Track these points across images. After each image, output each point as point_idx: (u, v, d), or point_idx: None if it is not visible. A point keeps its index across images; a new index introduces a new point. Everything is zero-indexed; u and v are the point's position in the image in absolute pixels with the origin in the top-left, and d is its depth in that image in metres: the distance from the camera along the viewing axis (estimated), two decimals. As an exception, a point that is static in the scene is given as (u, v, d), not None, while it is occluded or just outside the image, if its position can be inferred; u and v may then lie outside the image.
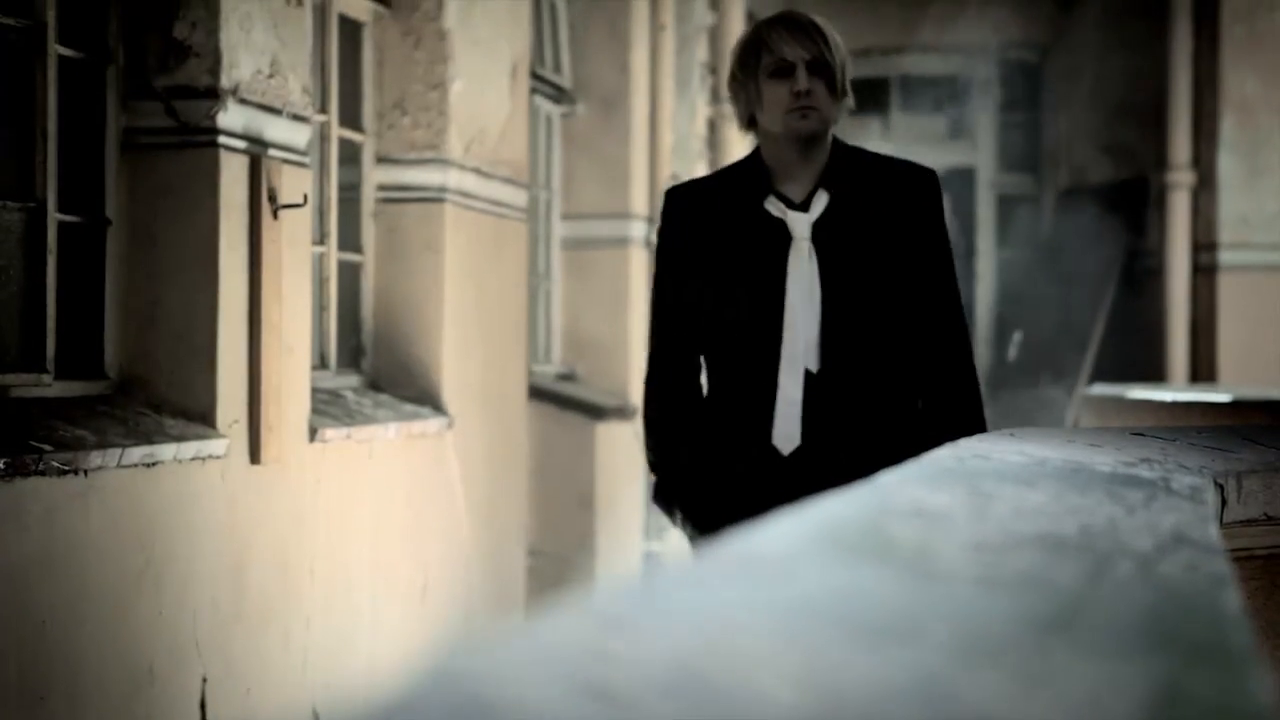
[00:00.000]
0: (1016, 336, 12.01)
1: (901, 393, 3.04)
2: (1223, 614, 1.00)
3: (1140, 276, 10.56)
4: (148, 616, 3.80)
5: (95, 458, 3.56)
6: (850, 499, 1.38)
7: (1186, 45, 9.79)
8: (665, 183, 7.30)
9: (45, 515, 3.46)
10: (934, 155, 12.30)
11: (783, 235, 2.99)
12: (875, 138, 12.65)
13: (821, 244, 3.00)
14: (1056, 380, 11.38)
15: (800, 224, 3.00)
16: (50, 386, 3.81)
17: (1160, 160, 10.14)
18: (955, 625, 0.89)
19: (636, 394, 7.04)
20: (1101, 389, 8.31)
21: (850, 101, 3.07)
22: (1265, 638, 2.10)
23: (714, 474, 3.04)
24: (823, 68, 3.00)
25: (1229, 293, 9.63)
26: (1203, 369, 9.73)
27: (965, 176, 12.31)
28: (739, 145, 9.98)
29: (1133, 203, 10.70)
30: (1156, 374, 9.97)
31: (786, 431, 2.96)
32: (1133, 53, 10.63)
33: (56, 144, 3.84)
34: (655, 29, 7.88)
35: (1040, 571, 1.09)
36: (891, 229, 3.02)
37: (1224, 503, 1.99)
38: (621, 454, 7.29)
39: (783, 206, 3.01)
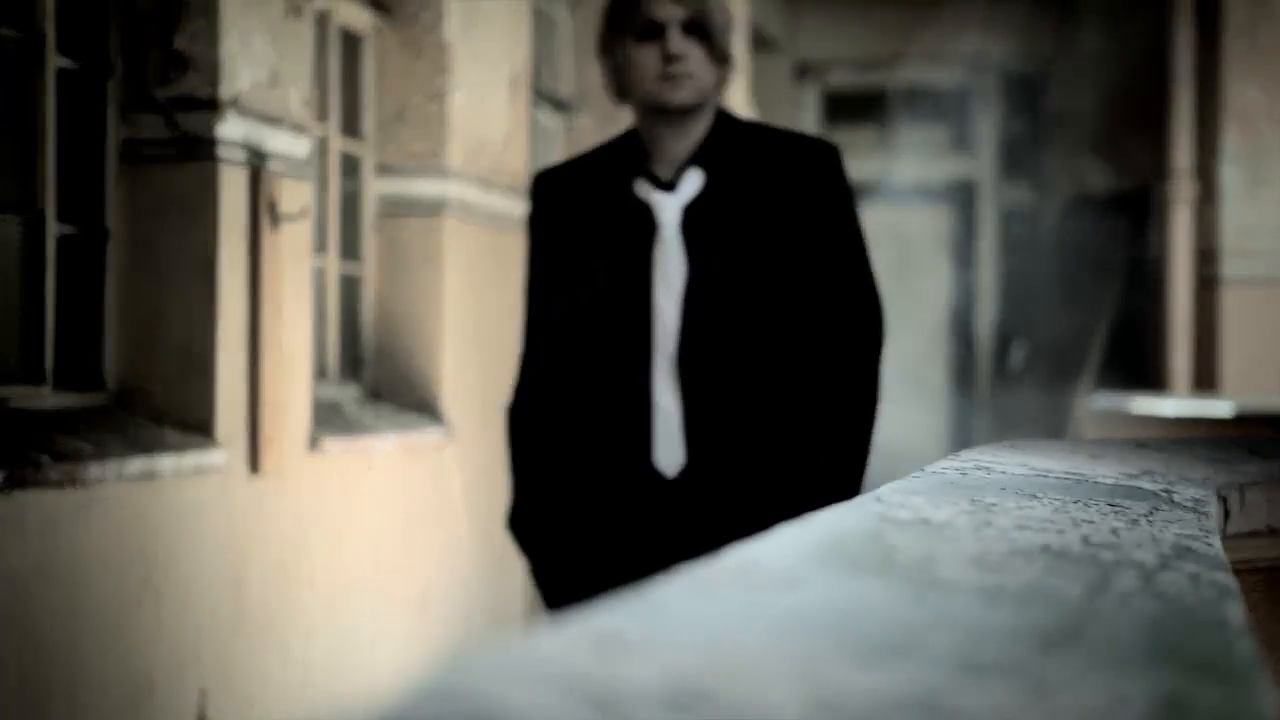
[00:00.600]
0: (1018, 347, 12.01)
1: (797, 402, 2.61)
2: (1226, 626, 1.00)
3: (1143, 286, 10.56)
4: (147, 628, 3.79)
5: (94, 469, 3.55)
6: (851, 510, 1.37)
7: (1189, 56, 9.80)
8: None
9: (44, 527, 3.45)
10: (935, 166, 12.31)
11: (648, 222, 2.59)
12: (874, 149, 12.66)
13: (693, 231, 2.58)
14: (1059, 390, 11.37)
15: (668, 208, 2.58)
16: (49, 398, 3.80)
17: (1162, 170, 10.14)
18: (957, 638, 0.88)
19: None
20: (1104, 400, 8.30)
21: (734, 68, 2.68)
22: (1268, 650, 2.09)
23: (585, 504, 2.62)
24: (700, 29, 2.59)
25: (1231, 303, 9.63)
26: (1205, 380, 9.72)
27: (966, 187, 12.31)
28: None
29: (1135, 213, 10.71)
30: (1159, 384, 9.97)
31: (669, 450, 2.56)
32: (1134, 63, 10.64)
33: (56, 155, 3.84)
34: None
35: (1043, 584, 1.08)
36: (778, 212, 2.59)
37: (1227, 515, 1.98)
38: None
39: (651, 188, 2.62)
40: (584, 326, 2.62)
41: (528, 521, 2.66)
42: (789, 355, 2.58)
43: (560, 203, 2.68)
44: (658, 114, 2.59)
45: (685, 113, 2.59)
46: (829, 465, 2.56)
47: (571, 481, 2.63)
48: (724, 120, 2.65)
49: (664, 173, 2.61)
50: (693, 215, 2.58)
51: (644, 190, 2.61)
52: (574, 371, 2.63)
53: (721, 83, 2.63)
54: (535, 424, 2.66)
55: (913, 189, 12.42)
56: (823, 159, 2.63)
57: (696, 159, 2.60)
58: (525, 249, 2.72)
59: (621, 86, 2.64)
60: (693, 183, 2.59)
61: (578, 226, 2.64)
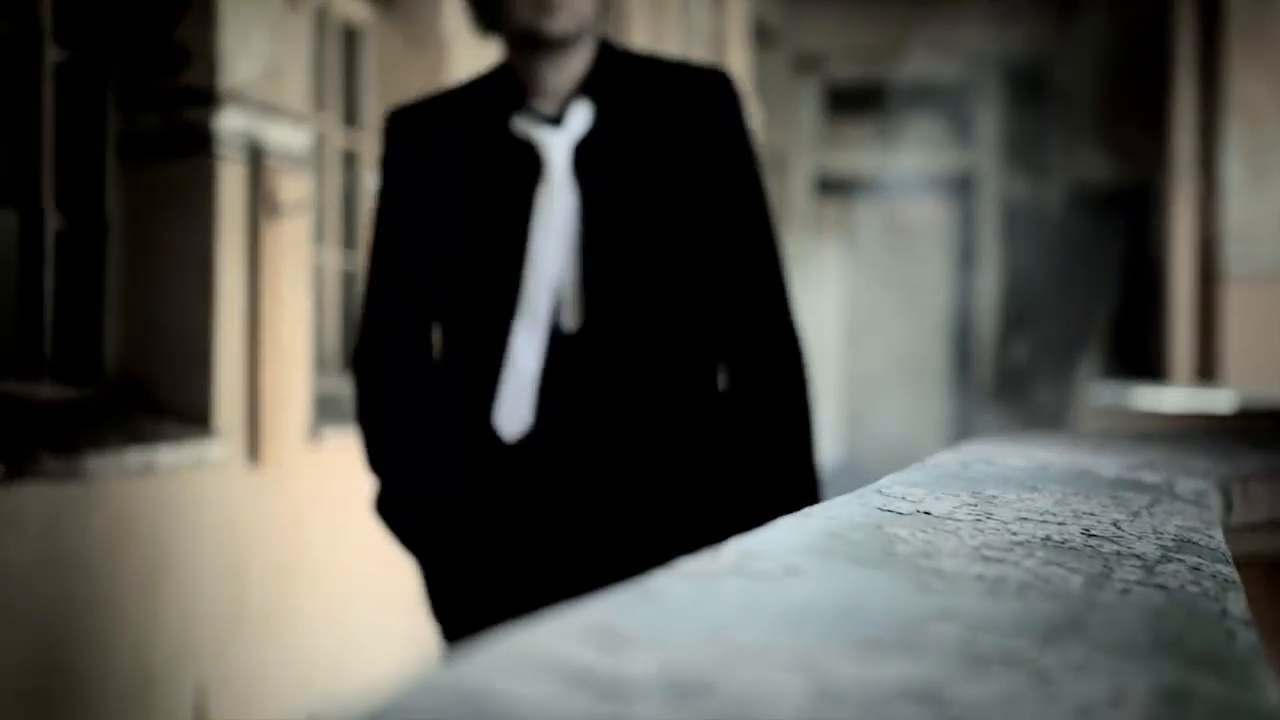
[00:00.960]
0: (1019, 338, 12.01)
1: (689, 364, 2.33)
2: (1228, 619, 0.99)
3: (1145, 279, 10.56)
4: (146, 621, 3.79)
5: (93, 462, 3.55)
6: (852, 502, 1.37)
7: (1191, 47, 9.79)
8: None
9: (43, 520, 3.45)
10: (936, 158, 12.30)
11: (532, 161, 2.32)
12: (874, 142, 12.66)
13: (585, 171, 2.31)
14: (1060, 382, 11.37)
15: (556, 145, 2.31)
16: (48, 391, 3.80)
17: (1164, 162, 10.14)
18: (958, 629, 0.88)
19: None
20: (1105, 392, 8.30)
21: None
22: (1271, 643, 2.09)
23: (430, 472, 2.35)
24: None
25: (1233, 297, 9.62)
26: (1207, 373, 9.72)
27: (967, 179, 12.30)
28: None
29: (1137, 205, 10.70)
30: (1161, 377, 9.97)
31: (512, 409, 2.28)
32: (1136, 55, 10.63)
33: (54, 149, 3.83)
34: (655, 34, 7.88)
35: (1044, 576, 1.08)
36: (675, 152, 2.33)
37: (1229, 507, 1.97)
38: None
39: (534, 125, 2.34)
40: (448, 271, 2.33)
41: (394, 504, 2.36)
42: (686, 306, 2.32)
43: (421, 141, 2.38)
44: (533, 45, 2.32)
45: (564, 43, 2.32)
46: (776, 459, 2.31)
47: (423, 451, 2.35)
48: (608, 51, 2.39)
49: (546, 107, 2.34)
50: (584, 154, 2.32)
51: (525, 126, 2.33)
52: (442, 324, 2.36)
53: (604, 9, 2.35)
54: (393, 393, 2.37)
55: (914, 181, 12.42)
56: (721, 90, 2.36)
57: (583, 91, 2.34)
58: (377, 191, 2.42)
59: (488, 16, 2.37)
60: (581, 117, 2.33)
61: (443, 166, 2.36)
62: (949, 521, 1.30)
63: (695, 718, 0.67)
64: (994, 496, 1.51)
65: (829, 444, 12.77)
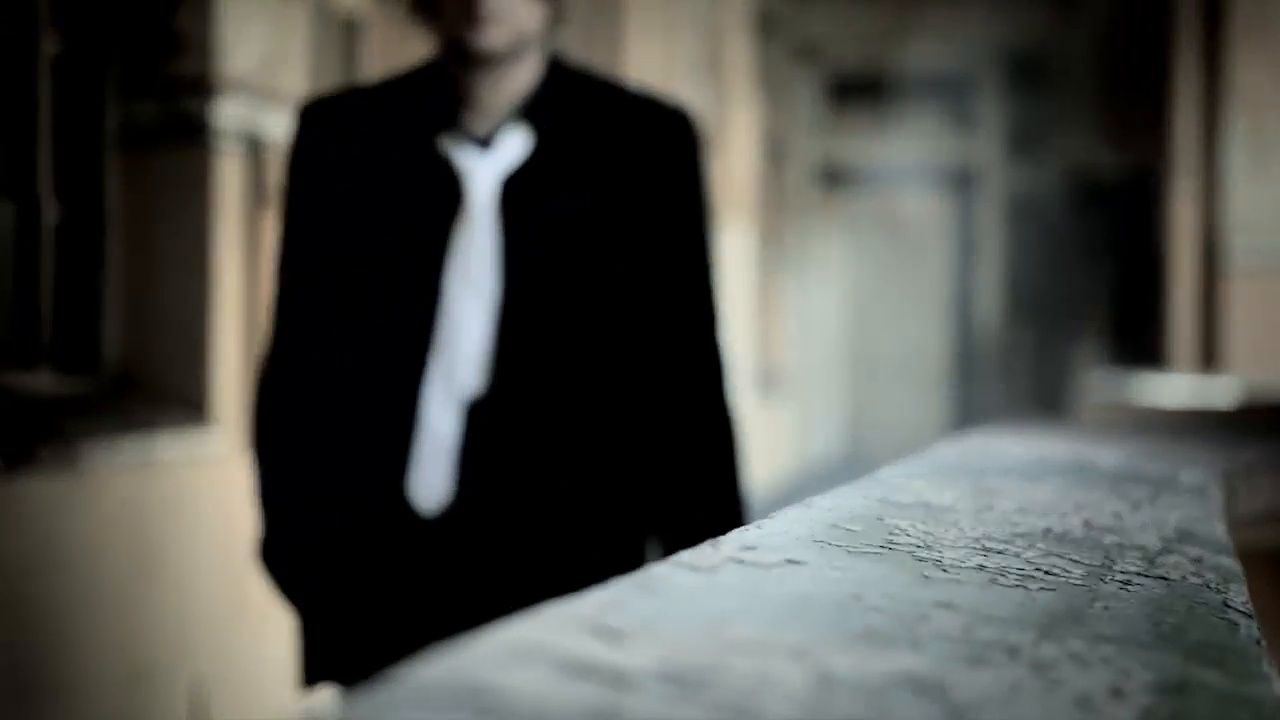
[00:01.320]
0: (1021, 328, 12.01)
1: (617, 431, 2.07)
2: (1230, 611, 0.99)
3: (1146, 270, 10.56)
4: (143, 613, 3.79)
5: (91, 453, 3.55)
6: (852, 492, 1.37)
7: (1194, 38, 9.77)
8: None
9: (41, 511, 3.45)
10: (936, 148, 12.29)
11: (452, 191, 2.00)
12: (875, 131, 12.65)
13: (512, 209, 2.00)
14: (1062, 371, 11.37)
15: (482, 175, 2.00)
16: (46, 382, 3.80)
17: (1166, 154, 10.13)
18: (959, 621, 0.87)
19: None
20: (1107, 382, 8.30)
21: (565, 11, 2.09)
22: (1273, 635, 2.08)
23: (331, 539, 2.07)
24: None
25: (1234, 290, 9.62)
26: (1209, 362, 9.72)
27: (968, 169, 12.29)
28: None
29: (1139, 195, 10.70)
30: (1163, 366, 9.97)
31: (430, 480, 2.01)
32: (1139, 44, 10.62)
33: (51, 139, 3.82)
34: (649, 27, 7.87)
35: (1045, 567, 1.07)
36: (618, 191, 2.04)
37: (1231, 499, 1.97)
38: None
39: (461, 147, 2.03)
40: (351, 313, 2.04)
41: (280, 553, 2.09)
42: (614, 380, 2.06)
43: (337, 143, 2.08)
44: (460, 59, 2.02)
45: (495, 60, 2.01)
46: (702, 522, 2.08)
47: (322, 508, 2.06)
48: (559, 70, 2.08)
49: (478, 127, 2.03)
50: (514, 188, 2.01)
51: (451, 148, 2.02)
52: (331, 365, 2.06)
53: (549, 22, 2.05)
54: (285, 417, 2.09)
55: (914, 171, 12.41)
56: (679, 133, 2.06)
57: (522, 114, 2.04)
58: (283, 193, 2.13)
59: (423, 4, 2.07)
60: (515, 144, 2.02)
61: (355, 178, 2.05)
62: (949, 513, 1.29)
63: (695, 708, 0.66)
64: (995, 488, 1.51)
65: (831, 436, 12.77)
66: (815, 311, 12.58)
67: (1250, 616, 0.98)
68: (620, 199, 2.04)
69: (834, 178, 12.68)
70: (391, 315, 2.01)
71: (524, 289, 2.00)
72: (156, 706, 3.82)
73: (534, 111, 2.04)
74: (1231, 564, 1.18)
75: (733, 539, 1.06)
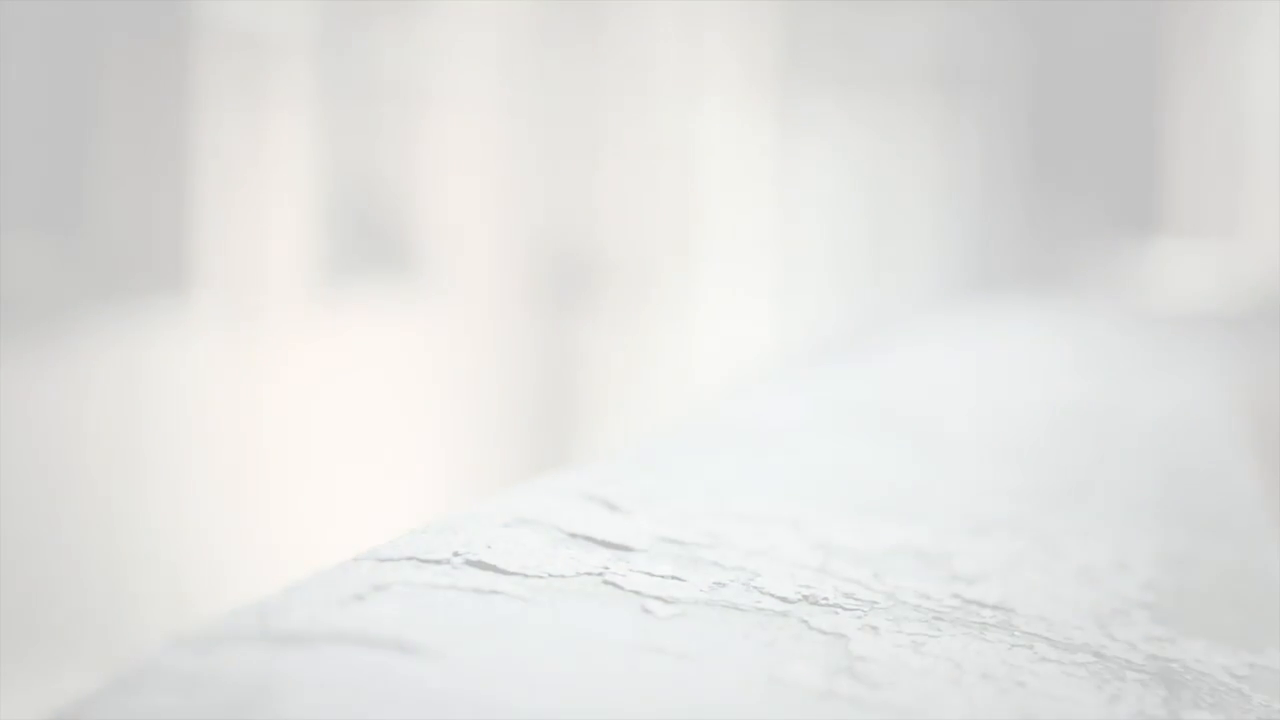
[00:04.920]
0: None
1: None
2: (1237, 485, 0.98)
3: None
4: (126, 490, 3.79)
5: (67, 322, 3.51)
6: (851, 368, 1.35)
7: None
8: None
9: (13, 385, 3.44)
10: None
11: None
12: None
13: None
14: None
15: None
16: (16, 244, 3.76)
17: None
18: (960, 496, 0.86)
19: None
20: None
21: None
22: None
23: None
24: None
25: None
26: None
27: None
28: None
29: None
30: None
31: None
32: None
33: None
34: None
35: (1048, 442, 1.06)
36: None
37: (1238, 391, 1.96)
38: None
39: None
40: None
41: None
42: None
43: None
44: None
45: None
46: None
47: None
48: None
49: None
50: None
51: None
52: None
53: None
54: None
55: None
56: None
57: None
58: None
59: None
60: None
61: None
62: (951, 387, 1.28)
63: (689, 562, 0.66)
64: (996, 358, 1.50)
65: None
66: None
67: (1258, 491, 0.97)
68: None
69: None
70: None
71: None
72: (141, 599, 3.84)
73: None
74: (1237, 440, 1.17)
75: (729, 411, 1.05)
